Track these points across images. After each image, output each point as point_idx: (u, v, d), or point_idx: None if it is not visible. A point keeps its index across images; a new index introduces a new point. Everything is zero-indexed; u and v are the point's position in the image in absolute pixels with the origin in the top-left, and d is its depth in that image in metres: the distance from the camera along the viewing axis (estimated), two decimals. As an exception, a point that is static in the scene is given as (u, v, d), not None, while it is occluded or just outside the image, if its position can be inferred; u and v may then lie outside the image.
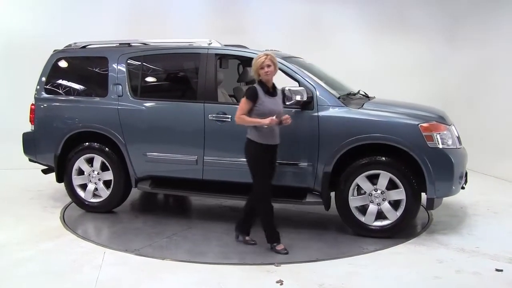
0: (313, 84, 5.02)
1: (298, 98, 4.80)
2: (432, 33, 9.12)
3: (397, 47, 9.13)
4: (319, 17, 9.23)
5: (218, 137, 5.21)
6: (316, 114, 4.93)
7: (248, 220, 4.80)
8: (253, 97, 4.41)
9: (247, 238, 4.81)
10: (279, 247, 4.56)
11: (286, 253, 4.50)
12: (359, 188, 4.96)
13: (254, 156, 4.50)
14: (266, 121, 4.33)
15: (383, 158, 4.82)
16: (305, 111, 4.96)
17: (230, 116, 5.12)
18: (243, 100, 4.45)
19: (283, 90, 4.81)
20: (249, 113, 4.43)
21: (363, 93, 5.65)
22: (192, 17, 8.82)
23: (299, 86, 5.00)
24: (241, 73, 6.39)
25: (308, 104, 4.93)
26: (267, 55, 4.44)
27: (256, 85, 4.50)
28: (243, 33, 8.54)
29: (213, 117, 5.18)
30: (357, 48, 9.17)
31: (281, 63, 5.13)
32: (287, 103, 4.81)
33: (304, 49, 7.26)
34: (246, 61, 6.50)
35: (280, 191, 5.05)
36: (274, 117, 4.35)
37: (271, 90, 4.52)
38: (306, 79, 5.06)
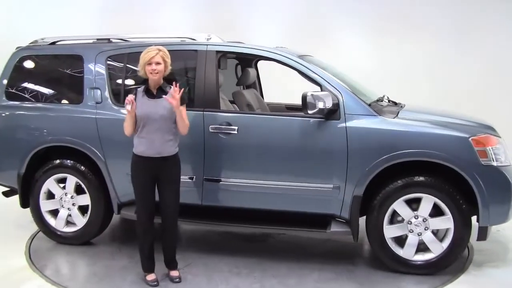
0: (338, 89, 4.12)
1: (322, 105, 3.91)
2: (441, 31, 8.32)
3: (402, 46, 8.33)
4: (317, 13, 8.37)
5: (222, 153, 4.26)
6: (343, 125, 4.03)
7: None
8: (130, 92, 3.89)
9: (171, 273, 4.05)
10: (150, 277, 3.96)
11: (156, 285, 3.91)
12: (395, 215, 4.09)
13: (131, 169, 3.89)
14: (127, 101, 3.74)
15: (427, 179, 3.96)
16: (329, 122, 4.05)
17: (236, 128, 4.19)
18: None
19: (304, 96, 3.91)
20: None
21: (389, 99, 4.78)
22: (176, 12, 7.88)
23: (321, 90, 4.11)
24: (241, 75, 5.44)
25: (333, 112, 4.03)
26: (159, 49, 3.77)
27: (140, 88, 3.88)
28: (233, 29, 7.68)
29: (215, 129, 4.23)
30: (358, 47, 8.37)
31: (298, 62, 4.26)
32: (309, 112, 3.91)
33: (301, 48, 6.40)
34: (246, 61, 5.61)
35: (296, 218, 4.26)
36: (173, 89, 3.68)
37: (154, 92, 3.77)
38: (330, 83, 4.15)
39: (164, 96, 3.77)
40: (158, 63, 3.72)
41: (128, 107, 3.71)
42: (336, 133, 4.03)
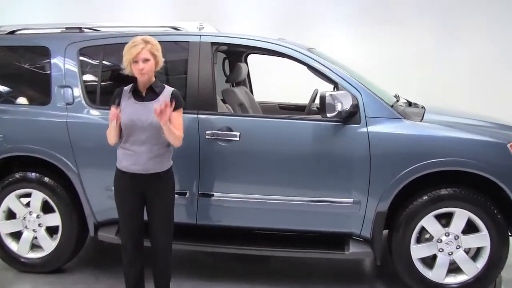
0: (357, 88, 3.55)
1: (340, 107, 3.34)
2: (430, 25, 7.88)
3: (389, 40, 7.83)
4: (300, 4, 7.78)
5: (221, 164, 3.62)
6: (364, 129, 3.47)
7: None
8: (112, 100, 3.15)
9: None
10: None
11: None
12: (422, 232, 3.57)
13: (114, 186, 3.25)
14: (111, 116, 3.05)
15: (460, 191, 3.45)
16: (347, 126, 3.49)
17: (238, 134, 3.56)
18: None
19: (323, 97, 3.32)
20: None
21: (405, 99, 4.26)
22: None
23: (337, 89, 3.55)
24: (233, 71, 4.80)
25: (352, 115, 3.46)
26: (147, 41, 3.05)
27: (127, 86, 3.19)
28: (210, 19, 7.01)
29: (213, 135, 3.58)
30: (343, 40, 7.76)
31: (309, 56, 3.68)
32: (329, 115, 3.33)
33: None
34: (235, 55, 4.96)
35: (305, 237, 3.74)
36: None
37: (143, 93, 3.10)
38: (348, 81, 3.58)
39: (155, 100, 3.10)
40: (146, 60, 3.02)
41: (113, 123, 3.03)
42: (356, 140, 3.47)
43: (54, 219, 3.91)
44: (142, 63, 3.01)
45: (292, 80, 6.60)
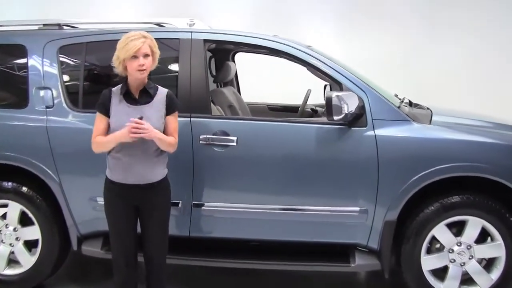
0: (363, 89, 3.31)
1: (346, 109, 3.09)
2: (408, 20, 7.63)
3: (376, 36, 7.57)
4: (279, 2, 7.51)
5: (216, 171, 3.34)
6: (371, 133, 3.22)
7: None
8: (101, 106, 2.84)
9: None
10: None
11: None
12: (433, 242, 3.34)
13: (104, 198, 2.94)
14: (120, 134, 2.72)
15: (474, 198, 3.23)
16: (353, 129, 3.24)
17: (235, 138, 3.28)
18: (96, 115, 2.87)
19: (329, 98, 3.06)
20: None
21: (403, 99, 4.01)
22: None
23: (342, 90, 3.29)
24: (221, 70, 4.50)
25: (358, 118, 3.21)
26: (145, 36, 2.80)
27: (115, 88, 2.86)
28: (186, 14, 6.69)
29: (207, 140, 3.30)
30: (330, 37, 7.54)
31: (310, 54, 3.43)
32: (335, 118, 3.07)
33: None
34: (222, 53, 4.67)
35: (309, 249, 3.49)
36: (134, 121, 2.66)
37: (136, 96, 2.81)
38: (353, 81, 3.33)
39: (150, 103, 2.81)
40: (146, 55, 2.76)
41: (133, 137, 2.68)
42: (363, 144, 3.22)
43: (33, 232, 3.58)
44: (143, 58, 2.73)
45: (280, 79, 6.36)
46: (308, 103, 4.52)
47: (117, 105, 2.78)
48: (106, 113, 2.80)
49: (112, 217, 2.89)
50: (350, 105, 3.11)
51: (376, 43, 7.47)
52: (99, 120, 2.84)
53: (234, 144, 3.27)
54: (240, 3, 7.30)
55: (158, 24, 3.80)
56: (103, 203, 2.95)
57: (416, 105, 3.89)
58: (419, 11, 7.59)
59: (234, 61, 4.92)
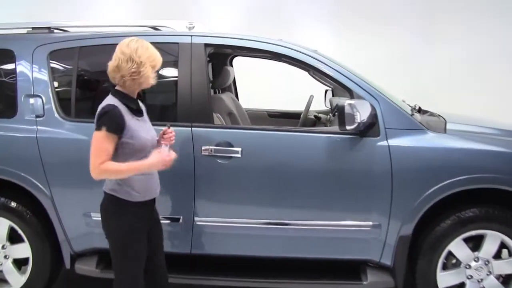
0: (374, 96, 3.12)
1: (359, 118, 2.91)
2: (406, 25, 7.47)
3: (364, 40, 7.40)
4: (280, 2, 7.31)
5: (220, 185, 3.14)
6: (384, 143, 3.03)
7: None
8: (117, 126, 2.44)
9: None
10: None
11: None
12: (449, 257, 3.16)
13: (124, 226, 2.53)
14: (150, 164, 2.50)
15: (493, 210, 3.06)
16: (365, 139, 3.05)
17: (240, 149, 3.07)
18: (98, 137, 2.44)
19: (342, 107, 2.88)
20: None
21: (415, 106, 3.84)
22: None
23: (352, 98, 3.11)
24: (220, 76, 4.29)
25: (370, 127, 3.02)
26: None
27: (113, 103, 2.49)
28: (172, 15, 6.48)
29: (210, 151, 3.09)
30: (316, 40, 7.35)
31: (319, 60, 3.24)
32: (348, 128, 2.88)
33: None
34: (220, 58, 4.46)
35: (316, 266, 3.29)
36: (163, 146, 2.60)
37: (137, 108, 2.63)
38: (364, 87, 3.14)
39: (144, 112, 2.65)
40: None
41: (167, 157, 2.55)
42: (376, 154, 3.04)
43: (23, 250, 3.35)
44: (155, 67, 2.60)
45: (278, 84, 6.17)
46: (302, 108, 4.32)
47: (130, 121, 2.50)
48: (121, 133, 2.47)
49: (136, 245, 2.55)
50: (362, 113, 2.93)
51: (372, 44, 7.29)
52: (110, 142, 2.43)
53: (239, 155, 3.07)
54: (234, 5, 7.11)
55: (154, 28, 3.61)
56: (120, 230, 2.55)
57: (425, 112, 3.72)
58: (416, 12, 7.45)
59: (232, 66, 4.71)
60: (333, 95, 4.48)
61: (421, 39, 7.41)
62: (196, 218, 3.16)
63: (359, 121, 2.90)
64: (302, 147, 3.12)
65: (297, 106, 4.69)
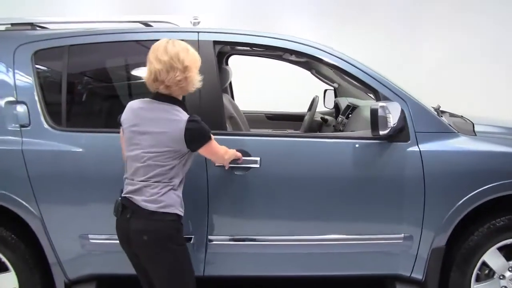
0: (402, 97, 2.88)
1: (392, 122, 2.66)
2: (391, 23, 7.34)
3: (348, 39, 7.22)
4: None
5: (236, 199, 2.81)
6: (415, 148, 2.80)
7: None
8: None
9: None
10: None
11: None
12: (482, 268, 2.96)
13: (179, 244, 2.39)
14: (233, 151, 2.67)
15: (529, 218, 2.88)
16: (393, 144, 2.80)
17: (258, 159, 2.76)
18: (212, 144, 2.45)
19: (374, 110, 2.62)
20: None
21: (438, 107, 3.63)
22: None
23: (379, 100, 2.85)
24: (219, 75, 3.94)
25: (400, 131, 2.77)
26: None
27: (185, 112, 2.38)
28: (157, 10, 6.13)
29: (224, 162, 2.77)
30: (305, 32, 7.13)
31: (342, 58, 2.95)
32: (381, 133, 2.63)
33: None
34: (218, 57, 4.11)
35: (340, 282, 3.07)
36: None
37: None
38: (390, 88, 2.89)
39: None
40: None
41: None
42: (407, 161, 2.79)
43: (8, 280, 2.91)
44: None
45: (275, 84, 5.89)
46: (302, 110, 4.07)
47: None
48: None
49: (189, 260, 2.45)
50: (394, 116, 2.68)
51: (361, 41, 7.10)
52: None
53: (257, 165, 2.76)
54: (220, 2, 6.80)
55: (145, 24, 3.24)
56: (172, 251, 2.36)
57: (444, 112, 3.51)
58: (404, 10, 7.31)
59: (227, 65, 4.38)
60: (335, 95, 4.23)
61: (408, 35, 7.30)
62: (209, 237, 2.82)
63: (391, 125, 2.65)
64: (325, 155, 2.83)
65: (295, 107, 4.43)
